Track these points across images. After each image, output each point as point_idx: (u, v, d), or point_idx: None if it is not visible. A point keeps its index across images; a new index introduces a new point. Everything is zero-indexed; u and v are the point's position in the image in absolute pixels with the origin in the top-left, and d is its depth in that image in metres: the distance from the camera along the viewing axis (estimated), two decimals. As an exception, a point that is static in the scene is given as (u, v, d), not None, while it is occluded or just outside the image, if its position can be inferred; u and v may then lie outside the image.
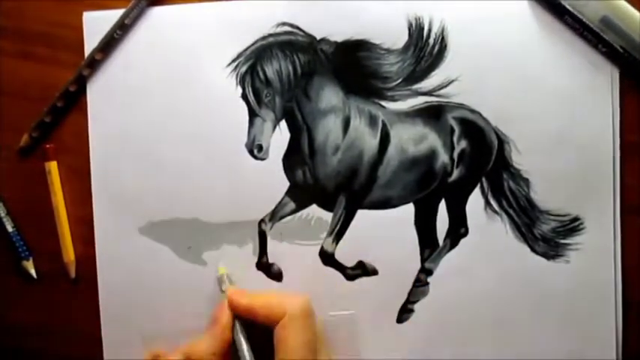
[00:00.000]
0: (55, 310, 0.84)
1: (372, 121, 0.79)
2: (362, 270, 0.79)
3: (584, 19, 0.75)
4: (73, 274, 0.82)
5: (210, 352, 0.74)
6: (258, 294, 0.77)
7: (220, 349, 0.74)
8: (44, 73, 0.82)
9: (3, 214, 0.83)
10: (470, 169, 0.79)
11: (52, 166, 0.82)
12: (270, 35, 0.79)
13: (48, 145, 0.82)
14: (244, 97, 0.79)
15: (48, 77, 0.82)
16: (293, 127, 0.79)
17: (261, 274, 0.81)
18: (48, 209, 0.82)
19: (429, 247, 0.79)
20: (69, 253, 0.82)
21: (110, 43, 0.80)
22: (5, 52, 0.82)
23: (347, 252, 0.80)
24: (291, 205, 0.80)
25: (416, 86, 0.78)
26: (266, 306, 0.74)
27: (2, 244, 0.83)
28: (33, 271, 0.83)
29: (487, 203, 0.79)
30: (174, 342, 0.79)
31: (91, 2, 0.81)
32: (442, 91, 0.78)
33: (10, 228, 0.83)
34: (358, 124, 0.79)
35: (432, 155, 0.79)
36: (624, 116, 0.77)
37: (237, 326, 0.76)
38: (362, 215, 0.80)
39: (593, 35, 0.75)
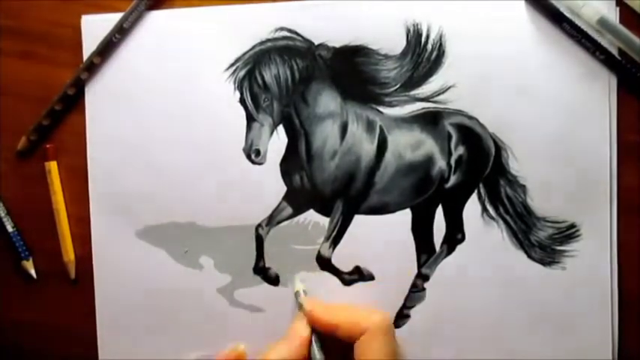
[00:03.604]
0: (54, 309, 0.84)
1: (370, 126, 0.79)
2: (359, 275, 0.80)
3: (582, 27, 0.75)
4: (72, 274, 0.83)
5: None
6: (338, 308, 0.77)
7: None
8: (44, 73, 0.82)
9: (3, 214, 0.83)
10: (467, 175, 0.79)
11: (52, 166, 0.82)
12: (269, 40, 0.79)
13: (48, 145, 0.82)
14: (242, 101, 0.79)
15: (48, 77, 0.82)
16: (291, 132, 0.79)
17: (257, 278, 0.81)
18: (48, 209, 0.83)
19: (426, 252, 0.79)
20: (69, 253, 0.83)
21: (108, 46, 0.80)
22: (5, 52, 0.82)
23: (344, 257, 0.80)
24: (289, 210, 0.80)
25: (413, 92, 0.78)
26: (349, 322, 0.73)
27: (2, 243, 0.83)
28: (33, 271, 0.83)
29: (484, 209, 0.79)
30: (170, 345, 0.81)
31: (90, 3, 0.81)
32: (440, 97, 0.78)
33: (10, 228, 0.83)
34: (356, 129, 0.79)
35: (429, 161, 0.79)
36: (621, 123, 0.77)
37: (314, 341, 0.76)
38: (359, 220, 0.80)
39: (591, 42, 0.75)
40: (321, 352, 0.75)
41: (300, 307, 0.77)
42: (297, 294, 0.79)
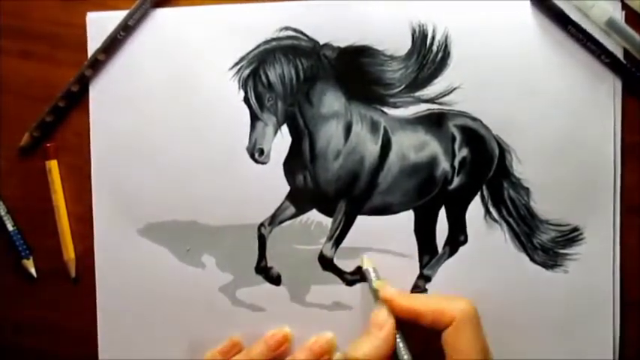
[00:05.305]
0: (55, 308, 0.84)
1: (374, 127, 0.79)
2: (361, 275, 0.79)
3: (587, 29, 0.75)
4: (73, 273, 0.83)
5: (375, 357, 0.71)
6: (416, 295, 0.77)
7: (385, 355, 0.72)
8: (46, 72, 0.82)
9: (3, 213, 0.83)
10: (470, 177, 0.79)
11: (53, 165, 0.82)
12: (274, 39, 0.79)
13: (48, 144, 0.82)
14: (246, 100, 0.79)
15: (50, 76, 0.82)
16: (294, 132, 0.80)
17: (259, 278, 0.81)
18: (48, 208, 0.82)
19: (428, 254, 0.79)
20: (69, 252, 0.82)
21: (113, 44, 0.80)
22: (7, 51, 0.82)
23: (346, 257, 0.80)
24: (291, 210, 0.80)
25: (418, 93, 0.78)
26: (432, 310, 0.71)
27: (2, 242, 0.83)
28: (33, 270, 0.83)
29: (487, 211, 0.79)
30: (171, 344, 0.81)
31: (94, 2, 0.81)
32: (444, 99, 0.78)
33: (10, 227, 0.83)
34: (360, 129, 0.79)
35: (432, 162, 0.79)
36: (626, 127, 0.77)
37: (399, 339, 0.73)
38: (362, 221, 0.80)
39: (597, 46, 0.75)
40: (408, 352, 0.73)
41: (375, 292, 0.76)
42: (366, 272, 0.78)
